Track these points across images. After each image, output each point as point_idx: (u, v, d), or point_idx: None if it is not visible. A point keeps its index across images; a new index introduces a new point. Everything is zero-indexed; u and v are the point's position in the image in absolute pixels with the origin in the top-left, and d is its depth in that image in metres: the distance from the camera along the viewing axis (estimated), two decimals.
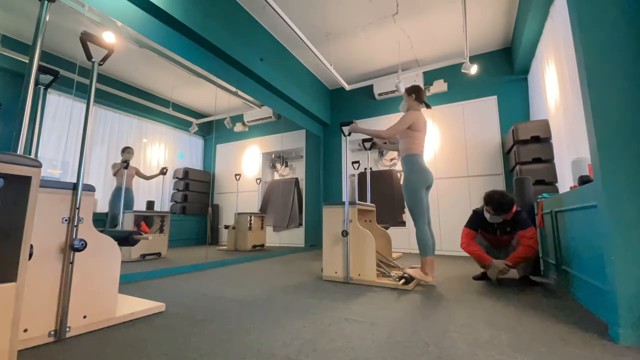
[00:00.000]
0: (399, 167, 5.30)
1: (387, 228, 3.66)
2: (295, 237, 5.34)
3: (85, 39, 1.39)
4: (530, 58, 3.84)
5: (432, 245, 2.21)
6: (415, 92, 2.43)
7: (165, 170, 4.25)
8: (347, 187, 2.60)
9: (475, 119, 4.47)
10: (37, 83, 1.61)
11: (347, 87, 4.84)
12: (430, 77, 4.87)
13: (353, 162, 3.65)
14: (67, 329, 1.23)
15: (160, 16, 2.72)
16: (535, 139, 3.36)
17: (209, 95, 4.13)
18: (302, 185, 5.50)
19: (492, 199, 2.22)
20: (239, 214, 4.70)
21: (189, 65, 3.20)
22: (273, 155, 5.71)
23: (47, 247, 1.21)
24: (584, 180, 1.70)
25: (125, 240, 1.76)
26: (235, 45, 3.44)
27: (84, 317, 1.30)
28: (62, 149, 3.00)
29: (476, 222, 2.42)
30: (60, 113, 3.02)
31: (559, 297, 1.87)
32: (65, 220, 1.26)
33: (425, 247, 2.18)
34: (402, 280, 2.14)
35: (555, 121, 3.08)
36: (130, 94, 3.82)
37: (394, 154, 5.35)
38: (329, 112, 5.81)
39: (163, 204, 4.44)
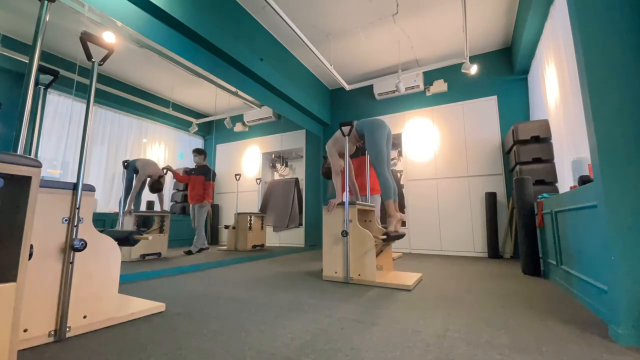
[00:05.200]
0: (399, 167, 5.30)
1: (387, 228, 3.66)
2: (295, 237, 5.34)
3: (85, 39, 1.39)
4: (530, 58, 3.84)
5: (395, 190, 2.63)
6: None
7: (165, 171, 4.24)
8: (347, 187, 2.59)
9: (475, 119, 4.47)
10: (37, 83, 1.61)
11: (347, 87, 4.84)
12: (430, 77, 4.87)
13: None
14: (67, 329, 1.23)
15: (160, 16, 2.72)
16: (535, 139, 3.36)
17: (209, 95, 4.13)
18: (302, 185, 5.50)
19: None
20: (239, 214, 4.70)
21: (189, 65, 3.20)
22: (273, 155, 5.71)
23: (47, 247, 1.21)
24: (584, 180, 1.70)
25: (125, 240, 1.76)
26: (235, 45, 3.44)
27: (84, 317, 1.30)
28: (62, 149, 3.00)
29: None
30: (60, 113, 3.01)
31: (559, 297, 1.87)
32: (65, 220, 1.26)
33: (389, 190, 2.56)
34: (384, 236, 2.31)
35: (555, 121, 3.08)
36: (130, 94, 3.81)
37: (394, 154, 5.36)
38: (329, 112, 5.81)
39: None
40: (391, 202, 2.55)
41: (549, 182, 3.20)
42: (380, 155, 2.60)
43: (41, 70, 1.55)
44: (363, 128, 2.71)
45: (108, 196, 3.60)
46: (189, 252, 3.86)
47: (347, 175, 2.59)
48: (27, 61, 1.14)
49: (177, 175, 4.10)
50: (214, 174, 4.48)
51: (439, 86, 4.75)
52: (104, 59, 1.46)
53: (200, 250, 3.96)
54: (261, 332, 1.28)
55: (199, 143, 5.14)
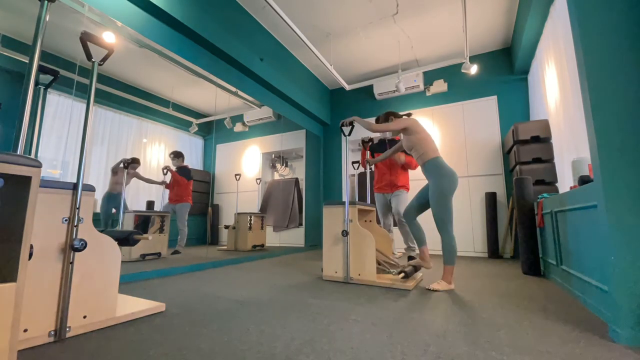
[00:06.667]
0: None
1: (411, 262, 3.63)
2: (295, 237, 5.34)
3: (85, 39, 1.39)
4: (530, 58, 3.84)
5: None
6: (392, 115, 2.68)
7: (165, 171, 4.25)
8: (347, 187, 2.60)
9: (475, 119, 4.47)
10: (37, 83, 1.61)
11: (347, 87, 4.84)
12: (430, 77, 4.87)
13: (353, 162, 3.65)
14: (67, 329, 1.23)
15: (160, 16, 2.72)
16: (535, 139, 3.36)
17: (209, 95, 4.13)
18: (302, 185, 5.50)
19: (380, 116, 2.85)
20: (239, 214, 4.70)
21: (189, 65, 3.20)
22: (273, 155, 5.71)
23: (47, 247, 1.21)
24: (584, 180, 1.70)
25: (125, 240, 1.76)
26: (235, 45, 3.44)
27: (84, 317, 1.30)
28: (62, 149, 3.00)
29: (372, 148, 3.40)
30: (60, 113, 3.01)
31: (559, 297, 1.87)
32: (65, 220, 1.26)
33: (453, 255, 2.10)
34: (402, 274, 2.15)
35: (555, 121, 3.08)
36: (130, 94, 3.82)
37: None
38: (329, 112, 5.81)
39: (163, 204, 4.44)
40: (452, 269, 2.11)
41: (549, 182, 3.20)
42: (447, 215, 2.14)
43: (41, 70, 1.55)
44: (428, 169, 2.21)
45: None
46: (176, 252, 3.85)
47: (347, 176, 2.59)
48: (27, 61, 1.14)
49: (176, 175, 4.10)
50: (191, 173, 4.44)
51: (439, 86, 4.75)
52: (104, 59, 1.46)
53: (175, 252, 3.90)
54: (261, 332, 1.28)
55: (199, 143, 5.14)
